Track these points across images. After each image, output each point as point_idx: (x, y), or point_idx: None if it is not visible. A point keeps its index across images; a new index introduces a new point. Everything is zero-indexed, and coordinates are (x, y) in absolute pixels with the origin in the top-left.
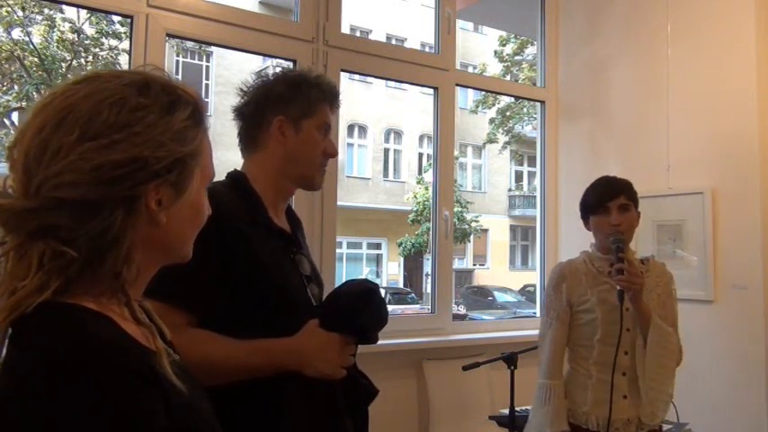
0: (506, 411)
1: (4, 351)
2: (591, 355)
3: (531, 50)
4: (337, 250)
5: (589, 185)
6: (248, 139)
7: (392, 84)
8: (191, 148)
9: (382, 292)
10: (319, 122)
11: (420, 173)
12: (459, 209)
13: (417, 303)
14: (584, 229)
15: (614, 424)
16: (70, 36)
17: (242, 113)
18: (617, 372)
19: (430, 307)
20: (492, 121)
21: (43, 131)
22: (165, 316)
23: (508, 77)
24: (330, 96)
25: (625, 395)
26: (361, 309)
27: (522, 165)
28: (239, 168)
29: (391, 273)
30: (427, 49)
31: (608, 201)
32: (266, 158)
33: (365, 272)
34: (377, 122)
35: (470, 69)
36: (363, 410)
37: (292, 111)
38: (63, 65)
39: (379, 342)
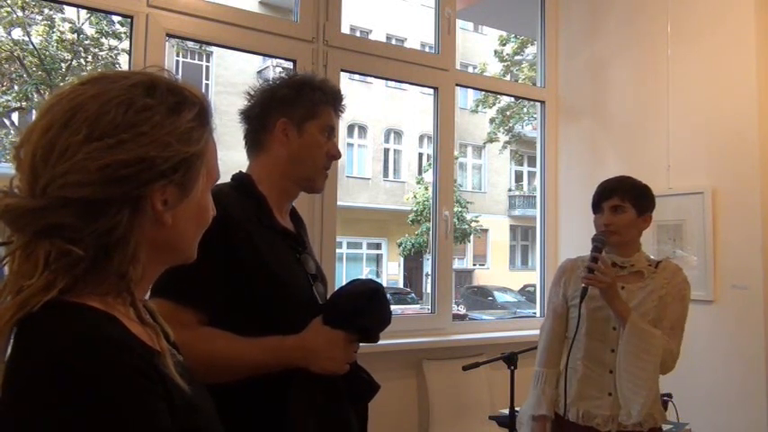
0: (506, 411)
1: (10, 349)
2: (580, 349)
3: (531, 50)
4: (337, 250)
5: None
6: (253, 142)
7: (392, 84)
8: (196, 149)
9: None
10: (322, 125)
11: (420, 173)
12: (459, 209)
13: (417, 303)
14: (583, 229)
15: (595, 419)
16: (70, 36)
17: (247, 116)
18: (604, 369)
19: (430, 307)
20: (492, 120)
21: (50, 131)
22: (175, 315)
23: (508, 77)
24: (333, 99)
25: (610, 392)
26: (364, 309)
27: (522, 165)
28: (244, 170)
29: (391, 273)
30: (427, 49)
31: (602, 201)
32: (270, 160)
33: (365, 272)
34: (377, 122)
35: (470, 69)
36: (363, 407)
37: (295, 113)
38: (63, 65)
39: (380, 342)
